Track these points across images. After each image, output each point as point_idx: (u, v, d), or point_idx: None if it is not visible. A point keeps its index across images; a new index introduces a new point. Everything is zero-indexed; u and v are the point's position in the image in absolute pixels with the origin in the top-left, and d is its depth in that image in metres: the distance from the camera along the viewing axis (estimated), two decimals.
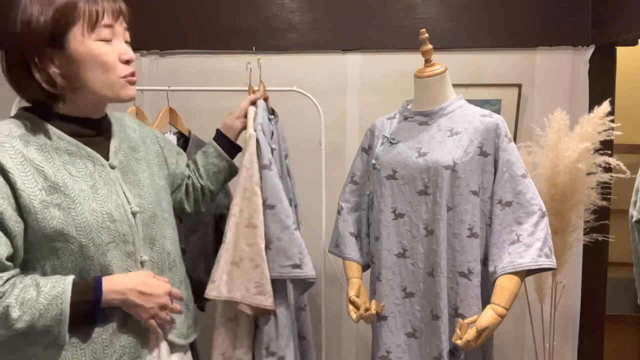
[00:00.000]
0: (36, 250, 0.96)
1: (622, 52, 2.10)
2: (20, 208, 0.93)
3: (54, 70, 0.96)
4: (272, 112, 1.51)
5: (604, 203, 1.92)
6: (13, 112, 1.71)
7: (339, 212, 1.65)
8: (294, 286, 1.43)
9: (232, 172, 1.43)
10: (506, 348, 2.24)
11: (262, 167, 1.31)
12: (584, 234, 1.99)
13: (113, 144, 1.10)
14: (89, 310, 0.98)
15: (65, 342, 0.96)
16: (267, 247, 1.30)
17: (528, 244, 1.36)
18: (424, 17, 2.13)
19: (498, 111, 2.11)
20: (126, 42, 1.05)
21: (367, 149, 1.63)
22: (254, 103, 1.44)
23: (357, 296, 1.53)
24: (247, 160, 1.31)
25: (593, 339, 2.21)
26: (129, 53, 1.03)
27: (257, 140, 1.32)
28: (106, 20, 0.98)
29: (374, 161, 1.54)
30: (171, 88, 1.78)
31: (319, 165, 1.82)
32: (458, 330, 1.34)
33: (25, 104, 1.03)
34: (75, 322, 0.96)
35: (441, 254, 1.41)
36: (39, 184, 0.94)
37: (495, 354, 1.56)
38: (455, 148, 1.42)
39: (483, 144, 1.42)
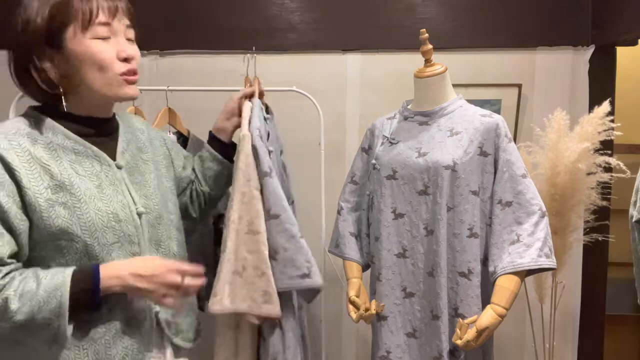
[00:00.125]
0: (41, 248, 0.96)
1: (622, 52, 2.10)
2: (26, 206, 0.93)
3: (52, 70, 0.96)
4: (266, 108, 1.44)
5: (604, 203, 1.92)
6: (12, 112, 1.73)
7: (339, 212, 1.65)
8: (300, 295, 1.37)
9: (232, 174, 1.41)
10: (506, 348, 2.24)
11: (262, 174, 1.24)
12: (584, 234, 1.99)
13: (120, 144, 1.10)
14: (89, 298, 0.95)
15: (66, 337, 0.93)
16: (272, 258, 1.24)
17: (528, 244, 1.36)
18: (424, 17, 2.12)
19: (498, 111, 2.11)
20: (129, 39, 1.03)
21: (367, 149, 1.62)
22: (248, 98, 1.37)
23: (357, 296, 1.53)
24: (242, 163, 1.23)
25: (593, 339, 2.21)
26: (127, 50, 1.01)
27: (255, 148, 1.24)
28: (101, 18, 0.97)
29: (374, 161, 1.53)
30: (170, 88, 1.78)
31: (319, 166, 1.82)
32: (458, 330, 1.34)
33: (24, 103, 1.03)
34: (77, 313, 0.94)
35: (441, 254, 1.41)
36: (44, 182, 0.94)
37: (495, 354, 1.56)
38: (455, 148, 1.41)
39: (483, 144, 1.42)
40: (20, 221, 0.92)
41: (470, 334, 1.32)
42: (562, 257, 1.88)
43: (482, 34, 2.13)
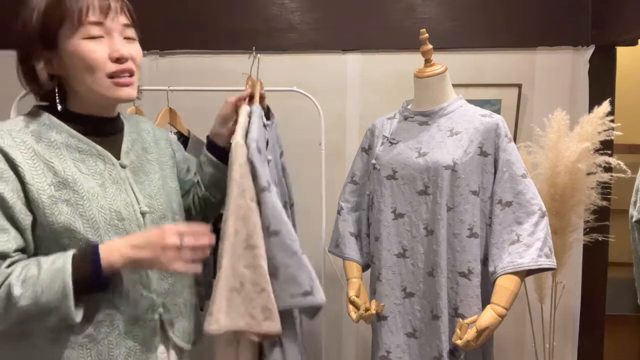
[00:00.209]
0: (45, 246, 0.96)
1: (622, 52, 2.10)
2: (29, 202, 0.93)
3: (48, 70, 0.97)
4: (267, 111, 1.39)
5: (604, 203, 1.92)
6: (13, 112, 1.73)
7: (339, 212, 1.65)
8: (302, 313, 1.31)
9: None
10: (506, 348, 2.24)
11: (260, 190, 1.17)
12: (584, 234, 1.99)
13: (125, 144, 1.10)
14: (93, 276, 0.93)
15: (74, 319, 0.91)
16: (273, 276, 1.18)
17: (528, 244, 1.36)
18: (424, 17, 2.12)
19: (498, 111, 2.11)
20: (127, 38, 1.01)
21: (367, 149, 1.62)
22: (246, 100, 1.31)
23: (357, 296, 1.53)
24: (237, 173, 1.15)
25: (593, 339, 2.21)
26: (121, 50, 0.98)
27: (252, 163, 1.16)
28: (92, 17, 0.95)
29: (374, 161, 1.54)
30: (171, 88, 1.78)
31: (319, 166, 1.82)
32: (458, 330, 1.34)
33: (26, 103, 1.04)
34: (82, 295, 0.92)
35: (441, 254, 1.41)
36: (48, 179, 0.95)
37: (495, 354, 1.56)
38: (455, 148, 1.42)
39: (483, 144, 1.42)
40: (25, 216, 0.93)
41: (470, 334, 1.32)
42: (562, 257, 1.88)
43: (482, 34, 2.13)
